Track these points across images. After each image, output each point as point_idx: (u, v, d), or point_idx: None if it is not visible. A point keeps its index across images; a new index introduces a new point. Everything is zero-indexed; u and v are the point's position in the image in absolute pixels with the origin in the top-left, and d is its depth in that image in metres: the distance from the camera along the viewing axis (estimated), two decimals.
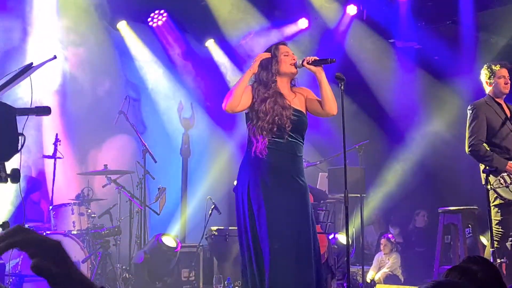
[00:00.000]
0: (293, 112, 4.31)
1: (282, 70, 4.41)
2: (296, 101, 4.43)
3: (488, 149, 5.47)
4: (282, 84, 4.44)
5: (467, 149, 5.52)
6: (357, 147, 7.62)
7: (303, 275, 4.12)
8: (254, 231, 4.15)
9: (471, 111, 5.59)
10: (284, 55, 4.44)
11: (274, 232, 4.07)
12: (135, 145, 7.58)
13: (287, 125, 4.24)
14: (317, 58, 4.37)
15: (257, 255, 4.14)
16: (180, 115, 9.81)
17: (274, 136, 4.23)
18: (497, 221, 5.43)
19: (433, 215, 7.96)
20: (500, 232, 5.42)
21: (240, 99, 4.28)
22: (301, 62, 4.40)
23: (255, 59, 4.46)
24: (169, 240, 7.16)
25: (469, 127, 5.54)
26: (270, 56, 4.45)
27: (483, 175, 5.37)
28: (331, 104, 4.37)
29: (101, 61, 9.10)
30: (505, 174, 5.34)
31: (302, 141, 4.38)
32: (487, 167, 5.34)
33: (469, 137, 5.51)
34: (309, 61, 4.35)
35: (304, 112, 4.45)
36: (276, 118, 4.23)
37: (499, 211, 5.42)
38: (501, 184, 5.32)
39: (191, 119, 9.93)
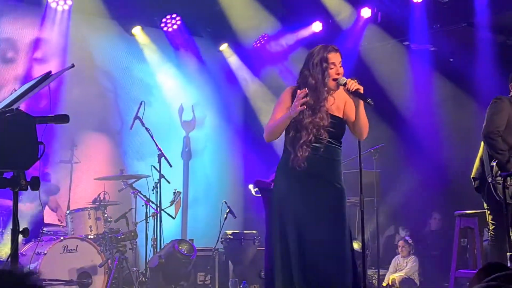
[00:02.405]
0: (331, 120, 4.25)
1: (328, 84, 4.27)
2: (335, 107, 4.33)
3: None
4: (326, 95, 4.30)
5: (484, 135, 5.38)
6: (372, 150, 7.61)
7: (340, 277, 4.15)
8: (292, 237, 4.17)
9: (496, 102, 5.47)
10: (330, 68, 4.25)
11: (311, 237, 4.13)
12: (151, 149, 7.60)
13: (324, 135, 4.22)
14: (360, 89, 4.17)
15: (292, 259, 4.16)
16: (181, 118, 9.84)
17: (311, 145, 4.22)
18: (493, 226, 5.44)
19: (448, 219, 7.92)
20: (493, 236, 5.42)
21: (280, 135, 4.33)
22: (343, 84, 4.22)
23: (297, 103, 4.13)
24: (185, 247, 7.19)
25: (491, 115, 5.38)
26: (308, 96, 4.18)
27: (498, 179, 5.30)
28: (362, 131, 4.37)
29: (116, 66, 9.17)
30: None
31: (339, 145, 4.35)
32: (496, 168, 5.25)
33: (490, 124, 5.33)
34: (351, 88, 4.17)
35: (342, 117, 4.38)
36: (314, 130, 4.19)
37: (494, 212, 5.39)
38: (500, 182, 5.23)
39: (192, 121, 9.96)
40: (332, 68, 4.24)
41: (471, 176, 5.67)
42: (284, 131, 4.33)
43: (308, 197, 4.20)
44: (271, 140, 4.41)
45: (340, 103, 4.37)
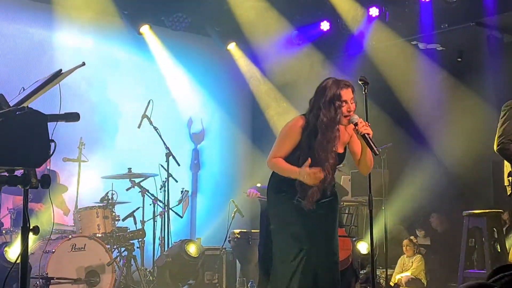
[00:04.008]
0: (336, 157, 4.30)
1: (340, 122, 4.25)
2: (340, 143, 4.35)
3: None
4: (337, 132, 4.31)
5: (495, 147, 5.40)
6: (380, 150, 7.58)
7: (334, 275, 4.30)
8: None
9: (505, 110, 5.48)
10: (342, 105, 4.20)
11: (310, 239, 4.25)
12: (159, 148, 7.62)
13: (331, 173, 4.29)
14: (370, 133, 4.16)
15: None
16: (190, 130, 9.90)
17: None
18: None
19: (455, 219, 7.90)
20: None
21: None
22: (354, 123, 4.20)
23: (307, 176, 4.13)
24: (192, 249, 7.21)
25: (501, 126, 5.41)
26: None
27: (508, 179, 5.30)
28: (366, 169, 4.42)
29: (124, 65, 9.19)
30: None
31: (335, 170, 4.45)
32: None
33: (500, 135, 5.37)
34: (361, 131, 4.16)
35: (344, 152, 4.43)
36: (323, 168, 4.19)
37: None
38: None
39: (200, 134, 10.00)
40: (344, 105, 4.20)
41: (505, 184, 5.63)
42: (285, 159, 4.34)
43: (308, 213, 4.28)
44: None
45: (345, 138, 4.39)
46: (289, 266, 4.21)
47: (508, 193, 5.53)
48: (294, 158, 4.26)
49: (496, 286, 1.97)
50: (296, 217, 4.27)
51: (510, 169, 5.38)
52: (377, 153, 4.21)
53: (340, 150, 4.37)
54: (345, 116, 4.21)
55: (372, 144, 4.17)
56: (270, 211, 4.46)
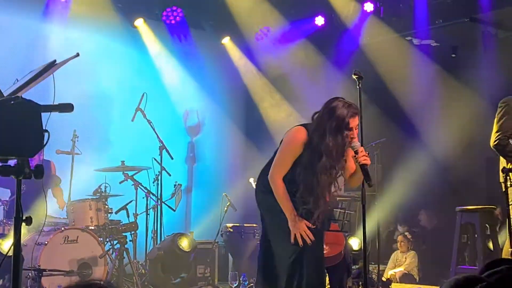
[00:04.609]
0: (336, 182, 4.34)
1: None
2: (343, 170, 4.38)
3: None
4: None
5: (492, 143, 5.40)
6: (373, 145, 7.60)
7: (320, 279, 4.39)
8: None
9: (502, 107, 5.48)
10: (349, 132, 4.18)
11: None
12: (152, 141, 7.61)
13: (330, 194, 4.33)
14: (367, 162, 4.20)
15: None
16: (186, 123, 9.88)
17: None
18: None
19: (448, 214, 7.92)
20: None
21: None
22: (354, 150, 4.20)
23: (296, 228, 4.20)
24: (185, 243, 7.21)
25: (497, 122, 5.42)
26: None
27: (502, 174, 5.31)
28: (355, 185, 4.54)
29: (118, 57, 9.16)
30: None
31: None
32: (507, 165, 5.29)
33: (496, 131, 5.38)
34: (360, 161, 4.18)
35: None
36: (324, 191, 4.23)
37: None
38: None
39: (196, 126, 9.98)
40: (350, 131, 4.19)
41: (500, 180, 5.64)
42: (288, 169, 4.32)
43: None
44: None
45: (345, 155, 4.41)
46: (288, 262, 4.24)
47: (503, 189, 5.55)
48: (294, 174, 4.25)
49: (484, 280, 1.95)
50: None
51: (505, 165, 5.39)
52: (371, 184, 4.27)
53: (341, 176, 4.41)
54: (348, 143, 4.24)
55: (368, 176, 4.22)
56: (265, 210, 4.46)
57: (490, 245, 6.47)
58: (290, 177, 4.25)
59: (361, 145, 4.26)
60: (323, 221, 4.36)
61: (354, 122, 4.18)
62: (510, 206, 5.39)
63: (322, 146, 4.15)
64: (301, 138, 4.24)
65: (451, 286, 1.83)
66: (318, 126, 4.21)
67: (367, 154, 4.22)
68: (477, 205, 6.43)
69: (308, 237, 4.19)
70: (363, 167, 4.19)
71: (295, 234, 4.19)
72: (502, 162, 5.45)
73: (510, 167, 5.30)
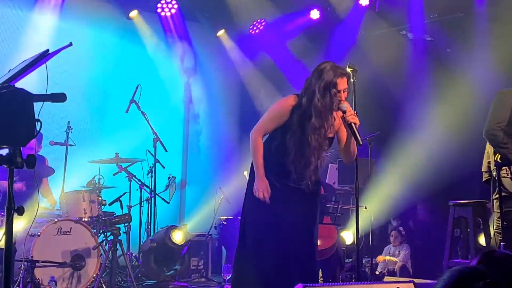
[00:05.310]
0: (326, 141, 4.37)
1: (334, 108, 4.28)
2: (331, 129, 4.38)
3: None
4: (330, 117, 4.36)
5: (484, 132, 5.40)
6: (367, 138, 7.60)
7: (307, 266, 4.32)
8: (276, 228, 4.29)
9: (499, 96, 5.47)
10: (338, 93, 4.22)
11: (288, 228, 4.27)
12: (146, 133, 7.60)
13: (321, 155, 4.35)
14: (356, 122, 4.20)
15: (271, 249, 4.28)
16: (183, 63, 9.82)
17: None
18: (499, 214, 5.42)
19: (441, 208, 7.94)
20: (503, 226, 5.42)
21: None
22: (343, 110, 4.22)
23: (257, 187, 4.27)
24: (178, 236, 7.22)
25: (492, 111, 5.41)
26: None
27: (493, 168, 5.30)
28: (349, 157, 4.47)
29: (113, 49, 9.13)
30: None
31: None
32: (498, 159, 5.29)
33: (490, 121, 5.34)
34: (348, 120, 4.20)
35: (333, 137, 4.46)
36: (315, 152, 4.27)
37: (503, 203, 5.38)
38: (506, 174, 5.25)
39: (193, 69, 9.94)
40: (338, 93, 4.22)
41: (482, 170, 5.66)
42: (271, 136, 4.39)
43: (286, 193, 4.32)
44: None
45: (337, 123, 4.41)
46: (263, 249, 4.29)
47: (484, 179, 5.58)
48: (284, 139, 4.29)
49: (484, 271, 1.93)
50: (275, 204, 4.29)
51: (492, 156, 5.38)
52: (361, 143, 4.27)
53: (331, 135, 4.40)
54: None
55: (357, 134, 4.23)
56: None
57: (482, 238, 6.48)
58: (282, 143, 4.30)
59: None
60: (314, 187, 4.35)
61: (342, 82, 4.23)
62: (494, 201, 5.43)
63: (312, 107, 4.21)
64: (289, 102, 4.33)
65: (458, 277, 1.82)
66: (307, 88, 4.29)
67: (355, 114, 4.25)
68: (469, 199, 6.44)
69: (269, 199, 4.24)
70: (351, 126, 4.21)
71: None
72: (489, 152, 5.45)
73: (497, 158, 5.29)
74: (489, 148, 5.52)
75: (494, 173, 5.34)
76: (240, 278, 4.42)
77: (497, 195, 5.31)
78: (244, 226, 4.45)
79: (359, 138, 4.24)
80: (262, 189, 4.24)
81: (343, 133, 4.41)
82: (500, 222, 5.41)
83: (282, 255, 4.25)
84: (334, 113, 4.35)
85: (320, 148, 4.29)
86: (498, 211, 5.43)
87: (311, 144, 4.23)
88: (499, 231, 5.40)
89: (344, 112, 4.22)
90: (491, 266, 1.98)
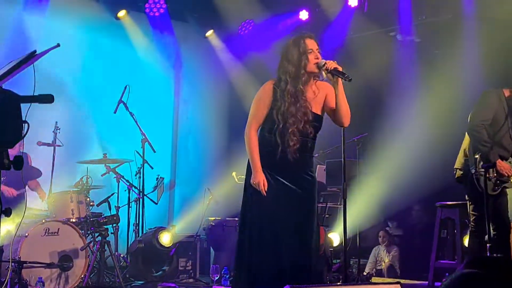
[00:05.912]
0: (314, 117, 4.33)
1: (308, 68, 4.29)
2: (316, 104, 4.37)
3: None
4: (307, 82, 4.34)
5: (468, 128, 5.43)
6: (355, 140, 7.62)
7: (310, 261, 4.29)
8: (270, 224, 4.27)
9: (484, 95, 5.51)
10: (309, 53, 4.29)
11: (286, 224, 4.26)
12: (134, 134, 7.59)
13: (310, 130, 4.30)
14: (338, 68, 4.21)
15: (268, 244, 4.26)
16: (171, 64, 9.83)
17: (300, 137, 4.29)
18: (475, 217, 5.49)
19: (428, 210, 7.97)
20: (473, 226, 5.49)
21: None
22: (322, 65, 4.24)
23: (255, 179, 4.27)
24: (165, 238, 7.22)
25: (478, 108, 5.45)
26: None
27: (480, 170, 5.32)
28: (345, 118, 4.38)
29: (101, 49, 9.11)
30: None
31: (314, 139, 4.42)
32: (478, 158, 5.31)
33: (475, 118, 5.38)
34: (329, 68, 4.20)
35: (321, 114, 4.43)
36: (301, 120, 4.25)
37: (475, 203, 5.45)
38: (482, 173, 5.28)
39: (182, 69, 9.97)
40: (310, 53, 4.29)
41: (454, 166, 5.70)
42: (261, 126, 4.39)
43: (281, 187, 4.29)
44: None
45: (320, 97, 4.40)
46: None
47: (456, 176, 5.62)
48: (273, 119, 4.29)
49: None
50: (272, 195, 4.27)
51: (471, 153, 5.42)
52: (350, 78, 4.20)
53: (317, 111, 4.38)
54: (314, 63, 4.28)
55: (343, 73, 4.21)
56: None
57: (464, 241, 6.53)
58: (271, 127, 4.31)
59: None
60: (306, 176, 4.34)
61: (311, 43, 4.32)
62: (468, 203, 5.49)
63: (287, 75, 4.27)
64: (268, 85, 4.38)
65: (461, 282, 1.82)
66: (280, 65, 4.37)
67: (335, 62, 4.25)
68: (457, 201, 6.48)
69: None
70: (335, 70, 4.20)
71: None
72: (465, 146, 5.49)
73: (477, 156, 5.33)
74: (466, 145, 5.56)
75: (473, 171, 5.38)
76: (241, 264, 4.39)
77: (474, 195, 5.37)
78: (244, 220, 4.42)
79: (346, 75, 4.20)
80: (259, 181, 4.23)
81: (332, 102, 4.38)
82: (475, 223, 5.47)
83: (275, 250, 4.23)
84: (315, 86, 4.36)
85: (304, 116, 4.25)
86: (474, 212, 5.49)
87: (289, 108, 4.22)
88: (475, 232, 5.47)
89: (324, 64, 4.24)
90: (489, 270, 1.98)
